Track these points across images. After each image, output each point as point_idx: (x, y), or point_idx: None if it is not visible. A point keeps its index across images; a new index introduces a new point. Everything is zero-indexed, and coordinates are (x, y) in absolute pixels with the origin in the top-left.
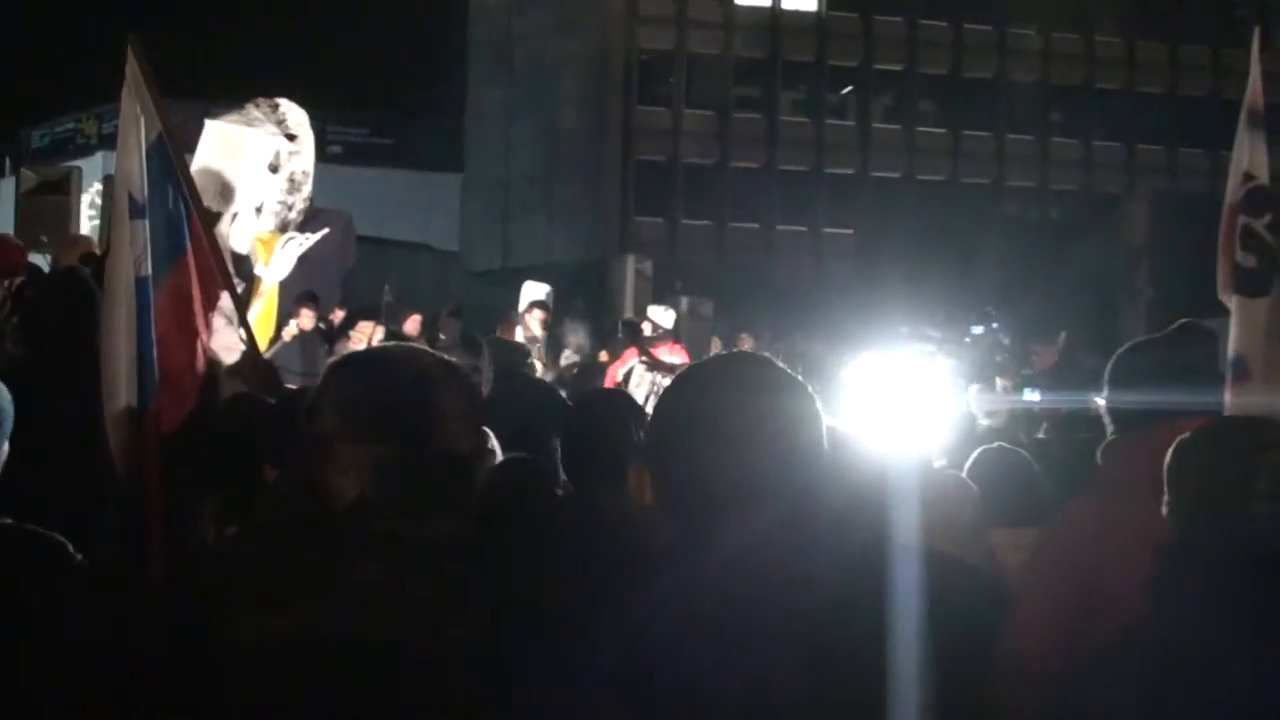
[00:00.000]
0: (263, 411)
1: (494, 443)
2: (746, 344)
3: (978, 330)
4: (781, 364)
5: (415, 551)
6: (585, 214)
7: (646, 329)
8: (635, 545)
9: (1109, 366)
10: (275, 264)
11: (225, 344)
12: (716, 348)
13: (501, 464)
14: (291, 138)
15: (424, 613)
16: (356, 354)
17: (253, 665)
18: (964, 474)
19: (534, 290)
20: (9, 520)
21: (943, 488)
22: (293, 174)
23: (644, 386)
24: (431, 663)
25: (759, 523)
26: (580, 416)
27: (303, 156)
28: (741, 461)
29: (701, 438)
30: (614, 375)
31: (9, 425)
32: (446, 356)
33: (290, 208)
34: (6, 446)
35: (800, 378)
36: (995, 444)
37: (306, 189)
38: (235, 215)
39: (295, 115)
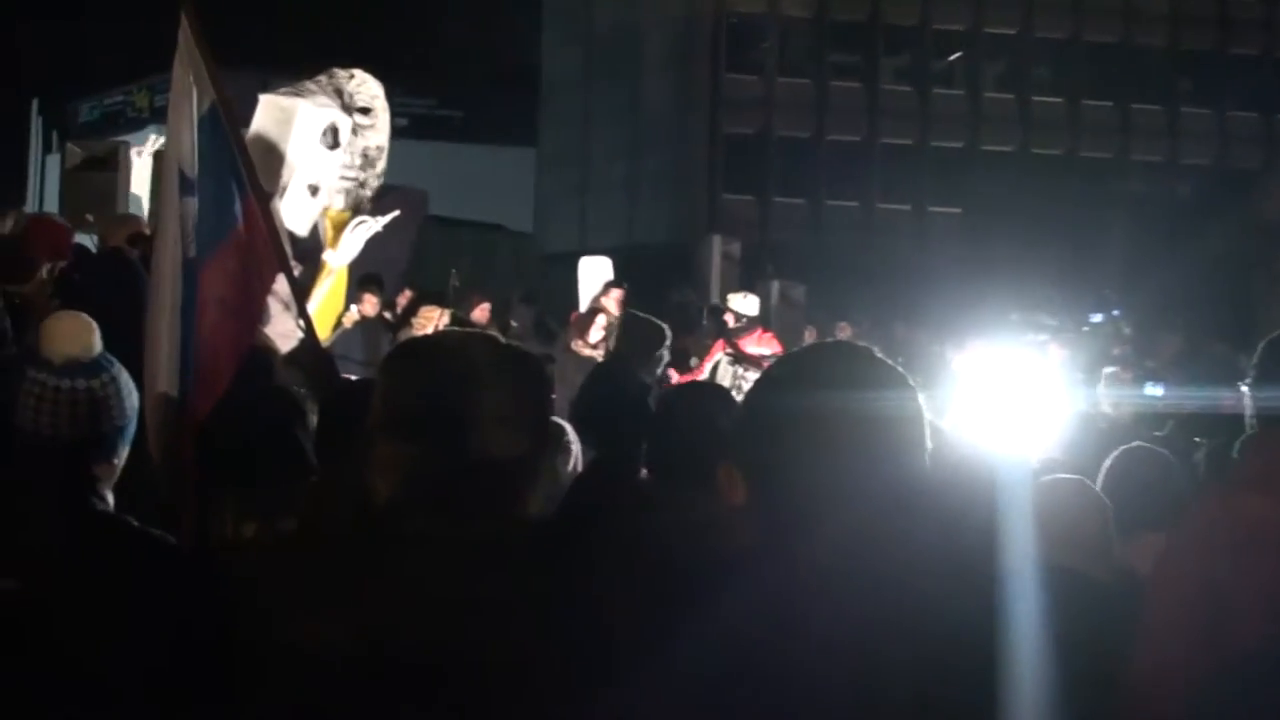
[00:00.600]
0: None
1: (572, 439)
2: (845, 333)
3: (1096, 318)
4: (881, 355)
5: (449, 550)
6: (669, 192)
7: (730, 320)
8: (724, 546)
9: (1257, 357)
10: (344, 246)
11: (282, 330)
12: (811, 337)
13: (589, 467)
14: (365, 110)
15: (454, 616)
16: (407, 344)
17: (285, 675)
18: (1100, 477)
19: (597, 267)
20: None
21: (1061, 493)
22: (366, 149)
23: (726, 377)
24: (461, 669)
25: (857, 526)
26: (667, 410)
27: (376, 131)
28: (838, 461)
29: (795, 435)
30: (700, 372)
31: (133, 428)
32: (517, 345)
33: (363, 184)
34: (126, 451)
35: (901, 370)
36: (1135, 444)
37: (380, 165)
38: (284, 191)
39: (370, 88)
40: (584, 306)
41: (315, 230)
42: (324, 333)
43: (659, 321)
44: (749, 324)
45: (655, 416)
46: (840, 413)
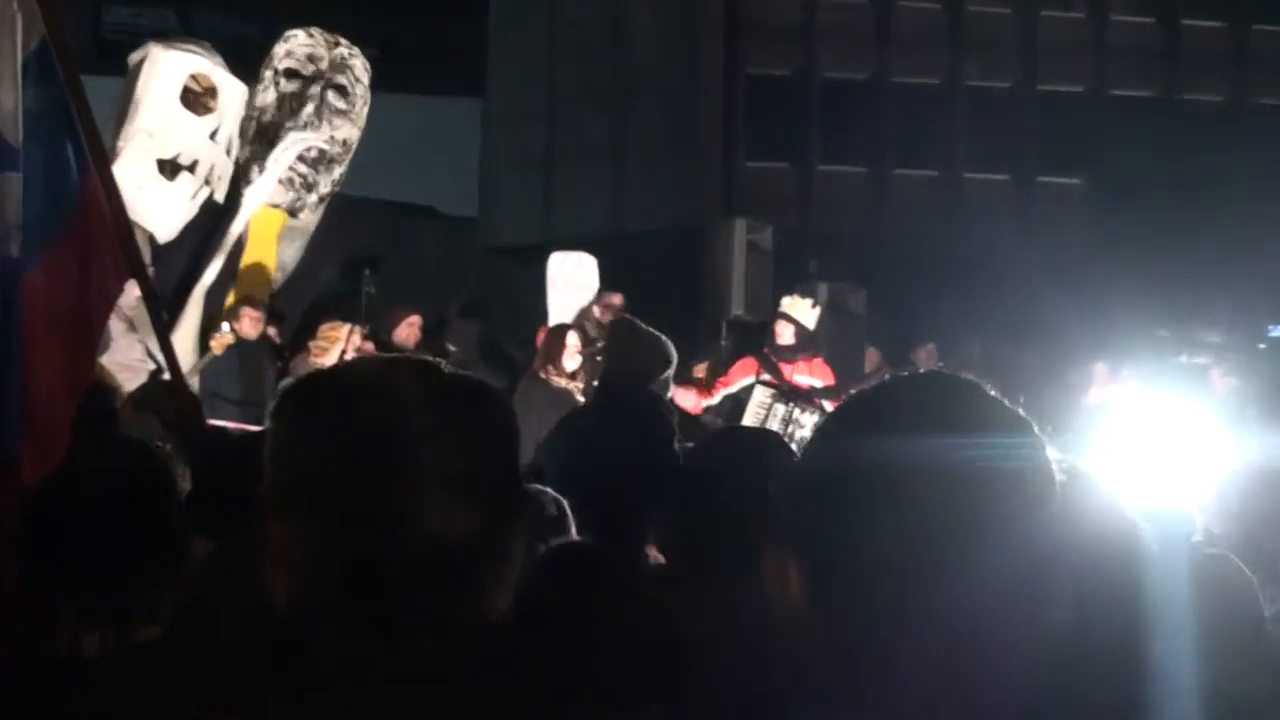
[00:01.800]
0: (164, 469)
1: (562, 509)
2: (929, 358)
3: (1276, 332)
4: (993, 391)
5: (376, 685)
6: (670, 159)
7: (782, 334)
8: (778, 671)
9: None
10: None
11: (125, 360)
12: (874, 363)
13: (554, 551)
14: (341, 91)
15: None
16: (309, 380)
17: None
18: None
19: (575, 267)
20: None
21: (1216, 572)
22: (328, 139)
23: (773, 421)
24: None
25: (971, 637)
26: (692, 468)
27: (347, 122)
28: (943, 541)
29: (882, 504)
30: (717, 389)
31: None
32: (468, 376)
33: (310, 185)
34: None
35: (1022, 412)
36: None
37: (340, 170)
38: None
39: (356, 66)
40: (556, 318)
41: (196, 229)
42: (189, 363)
43: (661, 336)
44: (805, 342)
45: (680, 473)
46: (943, 474)
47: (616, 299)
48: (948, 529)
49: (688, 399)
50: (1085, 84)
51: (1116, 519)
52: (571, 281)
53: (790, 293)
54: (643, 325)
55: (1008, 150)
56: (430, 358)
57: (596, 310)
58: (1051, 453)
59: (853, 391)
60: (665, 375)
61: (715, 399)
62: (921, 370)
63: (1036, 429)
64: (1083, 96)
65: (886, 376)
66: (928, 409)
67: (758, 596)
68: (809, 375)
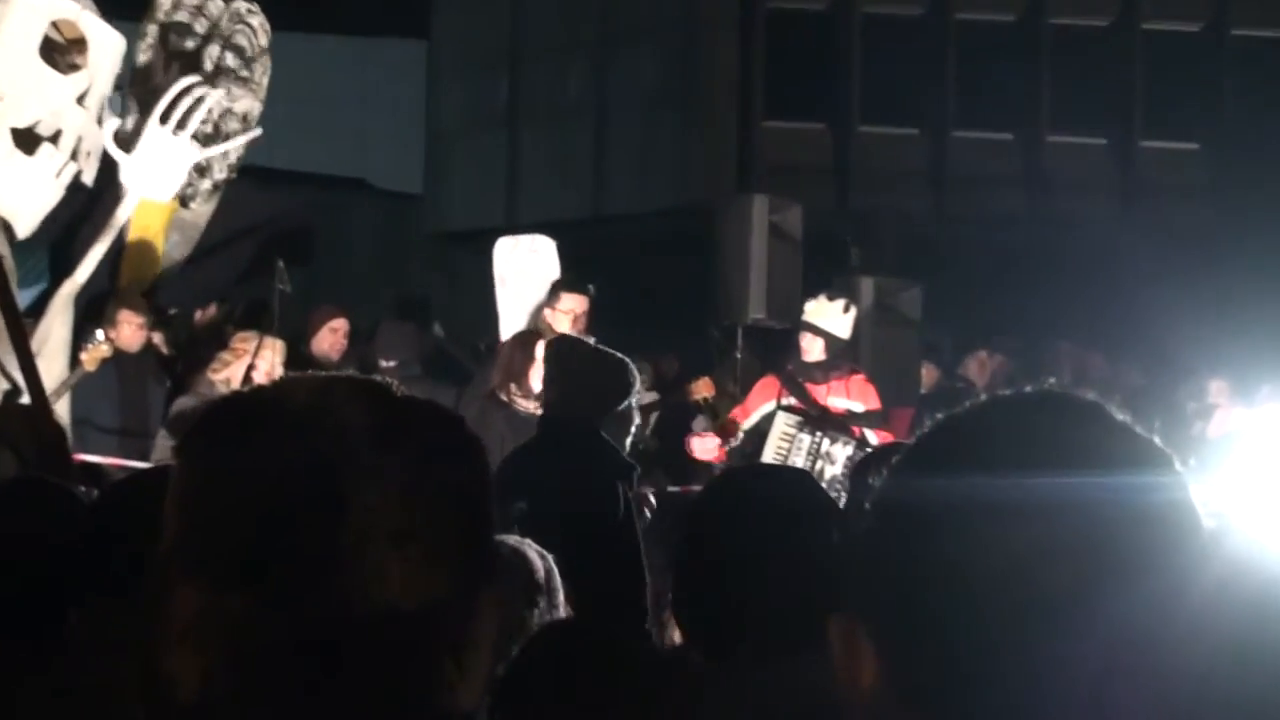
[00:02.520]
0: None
1: (549, 571)
2: (984, 367)
3: None
4: (1118, 413)
5: None
6: (668, 119)
7: (809, 349)
8: None
9: None
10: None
11: None
12: (930, 379)
13: (543, 631)
14: (239, 53)
15: None
16: (227, 408)
17: None
18: None
19: (529, 250)
20: None
21: None
22: (223, 113)
23: (797, 456)
24: None
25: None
26: (705, 523)
27: (246, 92)
28: (1069, 602)
29: (989, 557)
30: (736, 418)
31: None
32: (427, 402)
33: (203, 170)
34: None
35: (1156, 441)
36: None
37: (237, 146)
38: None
39: (254, 23)
40: (509, 323)
41: (61, 215)
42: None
43: (612, 359)
44: (839, 356)
45: (690, 530)
46: (1068, 516)
47: (573, 300)
48: (1074, 586)
49: (708, 448)
50: (1200, 20)
51: (1274, 572)
52: (525, 272)
53: (815, 295)
54: (588, 344)
55: (1103, 106)
56: (379, 379)
57: (548, 314)
58: (1197, 493)
59: (940, 417)
60: (624, 405)
61: (738, 438)
62: (975, 383)
63: (1178, 464)
64: (1198, 37)
65: (983, 397)
66: (1038, 438)
67: (805, 683)
68: (845, 397)
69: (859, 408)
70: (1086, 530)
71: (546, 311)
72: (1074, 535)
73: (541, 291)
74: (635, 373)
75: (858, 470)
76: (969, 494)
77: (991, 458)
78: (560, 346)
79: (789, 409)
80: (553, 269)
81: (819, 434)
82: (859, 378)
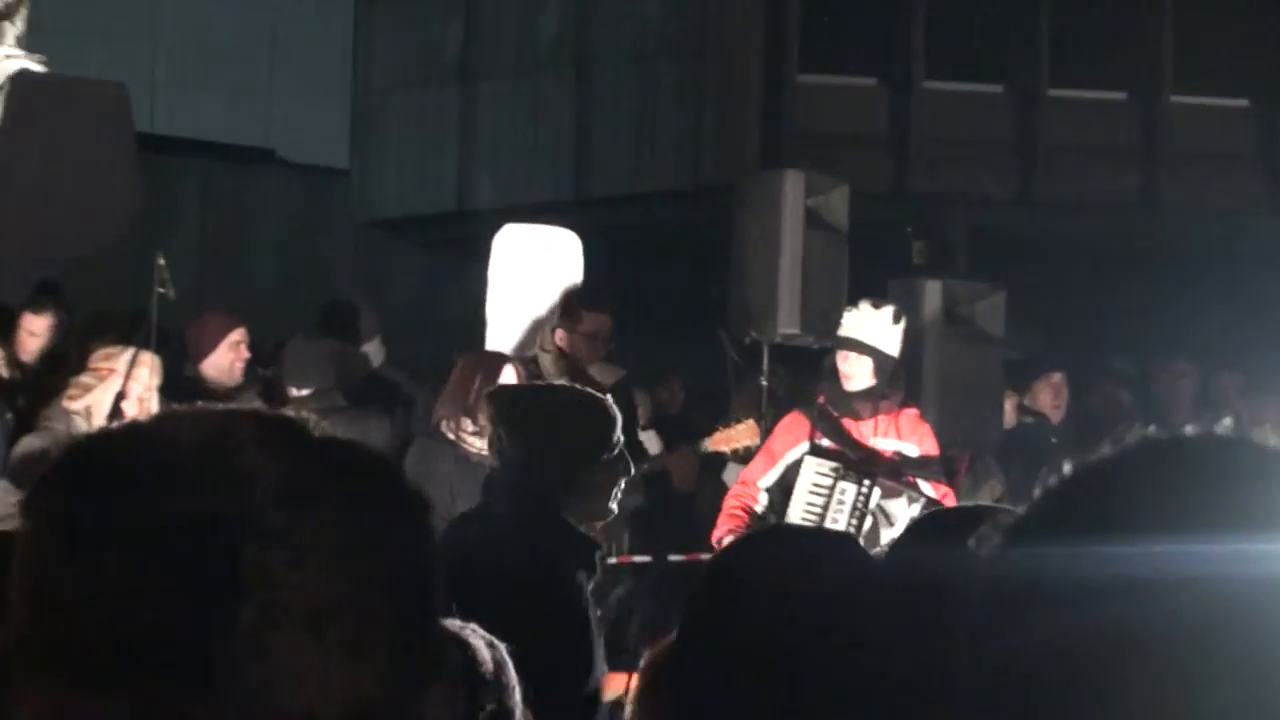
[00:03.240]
0: None
1: (494, 663)
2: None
3: None
4: None
5: None
6: (673, 74)
7: (852, 373)
8: None
9: None
10: None
11: None
12: (1012, 411)
13: None
14: None
15: None
16: (85, 454)
17: None
18: None
19: (545, 247)
20: None
21: None
22: None
23: (840, 511)
24: None
25: None
26: (721, 596)
27: None
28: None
29: (1163, 649)
30: (753, 480)
31: None
32: (343, 445)
33: None
34: None
35: None
36: None
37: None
38: None
39: None
40: (501, 339)
41: None
42: None
43: (588, 405)
44: (890, 382)
45: (693, 610)
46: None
47: (597, 321)
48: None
49: (733, 521)
50: None
51: None
52: (535, 275)
53: (857, 303)
54: (544, 392)
55: (1244, 58)
56: (290, 413)
57: (561, 337)
58: None
59: (1069, 472)
60: (602, 460)
61: (762, 491)
62: (1048, 416)
63: None
64: None
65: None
66: (1212, 495)
67: None
68: (894, 438)
69: (912, 451)
70: None
71: (559, 332)
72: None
73: (550, 302)
74: (614, 417)
75: (916, 537)
76: (1128, 569)
77: (1150, 519)
78: (507, 403)
79: (821, 451)
80: (573, 274)
81: (868, 483)
82: (910, 414)
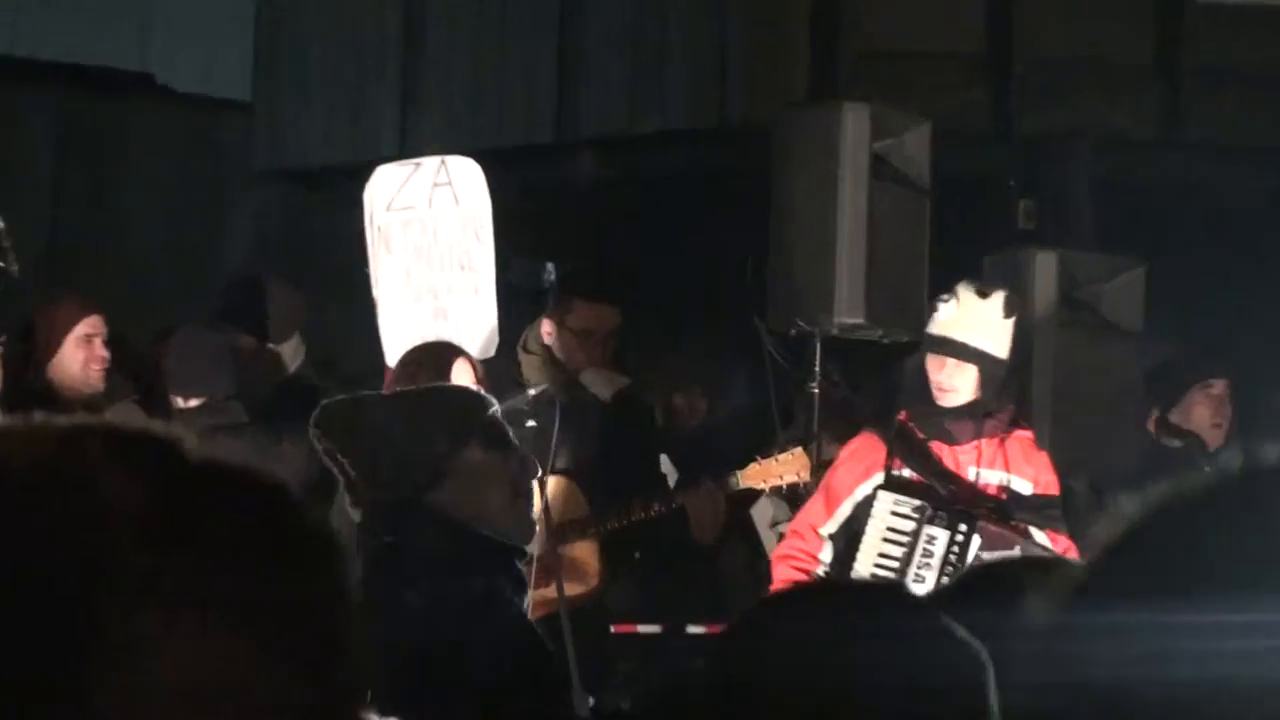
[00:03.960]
0: None
1: None
2: (1211, 410)
3: None
4: None
5: None
6: None
7: (951, 384)
8: None
9: None
10: None
11: None
12: (1151, 430)
13: None
14: None
15: None
16: None
17: None
18: None
19: (440, 190)
20: None
21: None
22: None
23: (929, 562)
24: None
25: None
26: (743, 677)
27: None
28: None
29: None
30: (811, 527)
31: None
32: (228, 470)
33: None
34: None
35: None
36: None
37: None
38: None
39: None
40: (393, 324)
41: None
42: None
43: (466, 392)
44: (998, 395)
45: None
46: None
47: (594, 313)
48: None
49: (796, 551)
50: None
51: None
52: (423, 227)
53: (952, 290)
54: (379, 403)
55: None
56: (164, 429)
57: (544, 331)
58: None
59: (1139, 514)
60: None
61: (825, 542)
62: (1204, 438)
63: None
64: None
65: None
66: None
67: None
68: (1001, 469)
69: (1024, 488)
70: None
71: (545, 325)
72: None
73: (453, 265)
74: (488, 406)
75: (962, 596)
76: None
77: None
78: (335, 416)
79: (900, 485)
80: (479, 218)
81: (965, 527)
82: (1023, 437)
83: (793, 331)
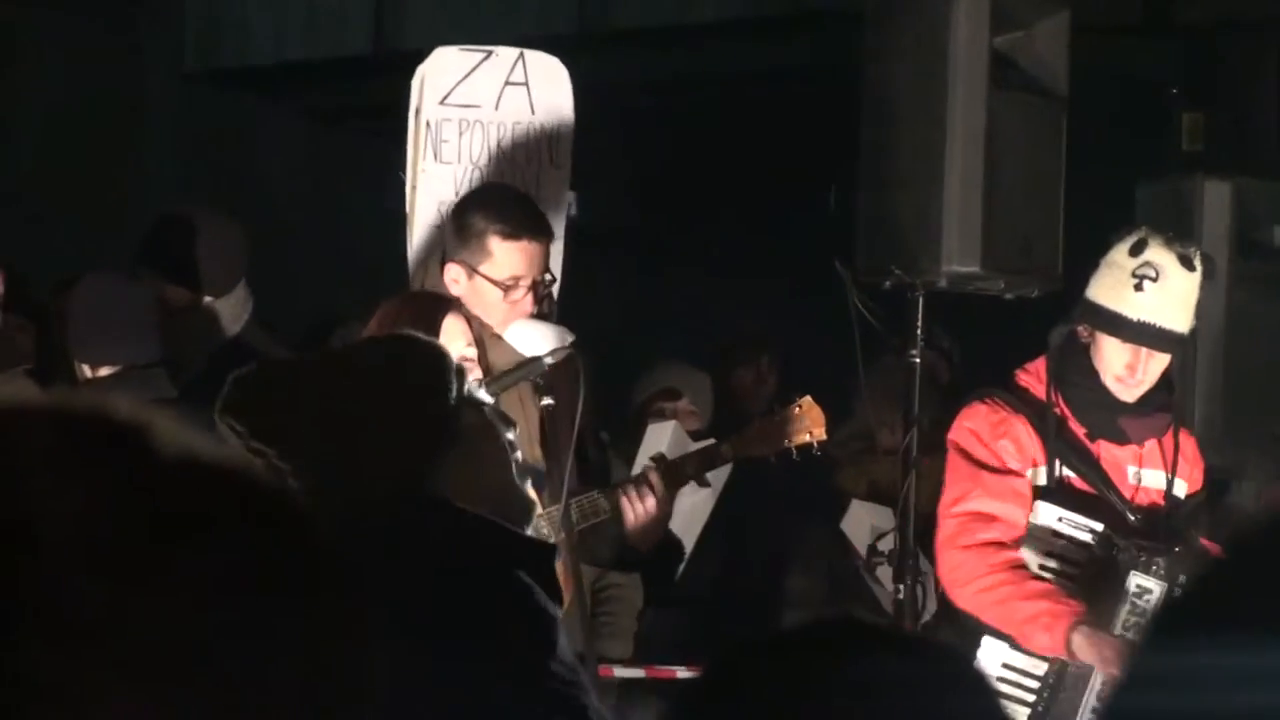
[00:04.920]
0: None
1: None
2: None
3: None
4: None
5: None
6: None
7: (1148, 378)
8: None
9: None
10: None
11: None
12: None
13: None
14: None
15: None
16: None
17: None
18: None
19: (516, 90)
20: None
21: None
22: None
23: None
24: None
25: None
26: None
27: None
28: None
29: None
30: (996, 522)
31: None
32: (181, 458)
33: None
34: None
35: None
36: None
37: None
38: None
39: None
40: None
41: None
42: None
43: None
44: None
45: None
46: None
47: (517, 252)
48: None
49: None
50: None
51: None
52: (498, 129)
53: (1148, 237)
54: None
55: None
56: (124, 409)
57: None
58: None
59: (1238, 536)
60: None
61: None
62: None
63: None
64: None
65: None
66: None
67: None
68: (1164, 468)
69: (1182, 489)
70: None
71: (449, 268)
72: None
73: (517, 187)
74: (451, 371)
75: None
76: None
77: None
78: (252, 393)
79: (1069, 496)
80: (558, 134)
81: (1160, 564)
82: (1181, 433)
83: (888, 283)
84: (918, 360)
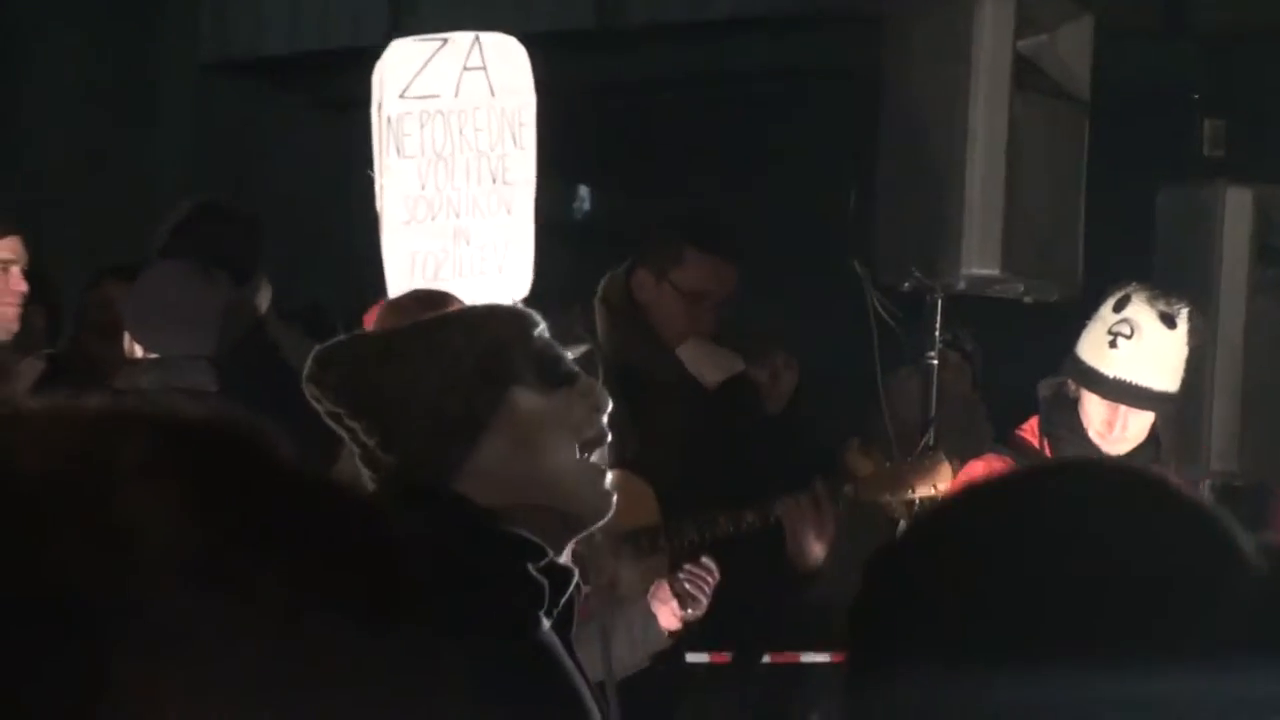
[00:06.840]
0: None
1: None
2: None
3: None
4: None
5: None
6: None
7: (1129, 435)
8: None
9: None
10: None
11: None
12: None
13: None
14: None
15: None
16: None
17: None
18: None
19: (471, 75)
20: None
21: None
22: None
23: None
24: None
25: None
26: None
27: None
28: None
29: None
30: None
31: None
32: (289, 473)
33: None
34: None
35: None
36: None
37: None
38: None
39: None
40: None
41: None
42: None
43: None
44: (1175, 435)
45: None
46: None
47: (704, 269)
48: None
49: None
50: None
51: None
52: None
53: (1132, 291)
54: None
55: None
56: (229, 417)
57: (638, 283)
58: None
59: None
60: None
61: None
62: None
63: None
64: None
65: None
66: None
67: None
68: None
69: None
70: None
71: (639, 276)
72: None
73: (482, 174)
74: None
75: None
76: None
77: None
78: (337, 367)
79: None
80: (520, 116)
81: None
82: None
83: (907, 285)
84: (935, 363)
